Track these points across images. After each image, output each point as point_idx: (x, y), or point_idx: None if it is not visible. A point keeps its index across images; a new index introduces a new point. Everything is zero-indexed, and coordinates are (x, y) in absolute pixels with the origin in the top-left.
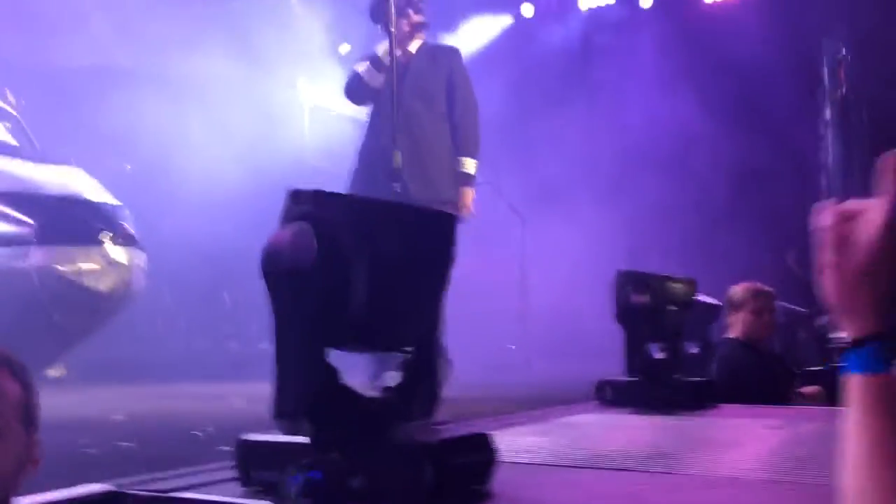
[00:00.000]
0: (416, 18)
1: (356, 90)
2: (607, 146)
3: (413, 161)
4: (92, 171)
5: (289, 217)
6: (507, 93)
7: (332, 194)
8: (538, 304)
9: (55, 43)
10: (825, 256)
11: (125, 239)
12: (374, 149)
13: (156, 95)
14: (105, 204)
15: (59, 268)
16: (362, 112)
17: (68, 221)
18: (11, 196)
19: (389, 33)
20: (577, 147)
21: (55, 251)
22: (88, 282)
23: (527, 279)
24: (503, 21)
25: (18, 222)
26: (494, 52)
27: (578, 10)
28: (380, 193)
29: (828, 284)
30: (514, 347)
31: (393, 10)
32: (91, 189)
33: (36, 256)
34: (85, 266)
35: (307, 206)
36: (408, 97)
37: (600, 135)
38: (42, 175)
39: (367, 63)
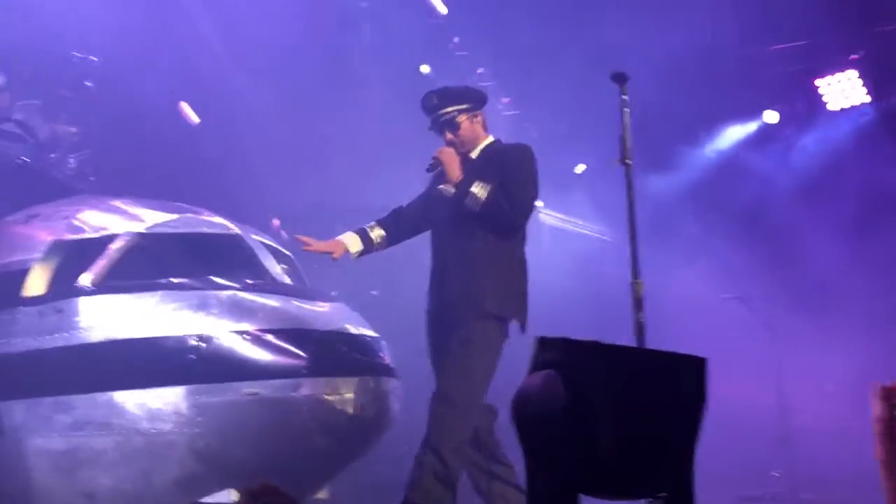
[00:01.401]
0: (477, 120)
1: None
2: (874, 251)
3: (459, 278)
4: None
5: (537, 364)
6: (757, 199)
7: (579, 342)
8: (804, 427)
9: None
10: (878, 450)
11: (382, 369)
12: (433, 269)
13: None
14: (365, 336)
15: (326, 397)
16: (604, 230)
17: (334, 354)
18: (287, 332)
19: (625, 167)
20: (839, 252)
21: (323, 382)
22: (351, 410)
23: (787, 398)
24: (749, 128)
25: (293, 355)
26: (738, 158)
27: (827, 111)
28: (431, 314)
29: (882, 477)
30: (778, 475)
31: (627, 138)
32: (353, 323)
33: (306, 387)
34: (347, 395)
35: (555, 353)
36: (460, 208)
37: (864, 239)
38: (312, 311)
39: None
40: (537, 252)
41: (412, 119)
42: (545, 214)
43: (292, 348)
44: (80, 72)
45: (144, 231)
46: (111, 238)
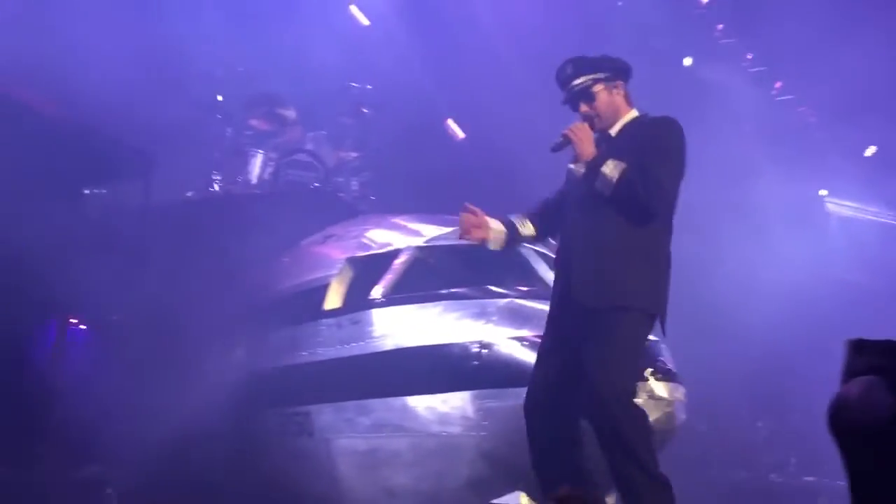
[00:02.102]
0: (617, 92)
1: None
2: None
3: (586, 265)
4: None
5: (852, 370)
6: None
7: None
8: None
9: None
10: None
11: (665, 374)
12: (559, 257)
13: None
14: None
15: None
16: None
17: None
18: None
19: None
20: None
21: None
22: None
23: None
24: None
25: None
26: None
27: None
28: (554, 305)
29: None
30: None
31: None
32: None
33: None
34: None
35: (875, 357)
36: (593, 190)
37: None
38: None
39: None
40: (822, 245)
41: (677, 114)
42: (831, 204)
43: None
44: (358, 100)
45: (424, 245)
46: (395, 253)
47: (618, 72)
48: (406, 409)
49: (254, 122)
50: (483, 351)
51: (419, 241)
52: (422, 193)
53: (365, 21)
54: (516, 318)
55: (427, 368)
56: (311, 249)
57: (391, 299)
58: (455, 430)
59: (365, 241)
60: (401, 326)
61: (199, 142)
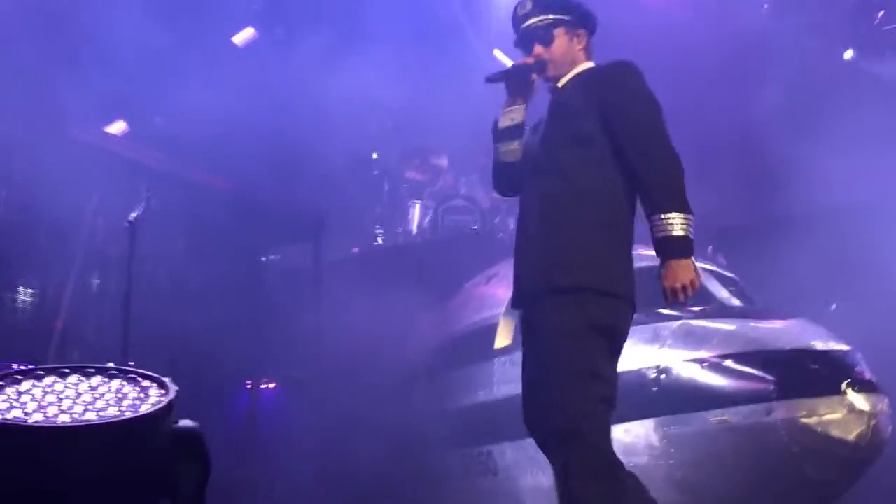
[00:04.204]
0: (579, 41)
1: (495, 177)
2: None
3: (539, 240)
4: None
5: None
6: None
7: None
8: None
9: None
10: None
11: (864, 385)
12: (517, 247)
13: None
14: (836, 351)
15: (804, 420)
16: None
17: (804, 373)
18: (748, 355)
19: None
20: None
21: (797, 404)
22: (835, 432)
23: None
24: None
25: (759, 379)
26: None
27: None
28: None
29: None
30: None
31: None
32: (820, 337)
33: (780, 411)
34: (828, 416)
35: None
36: (542, 151)
37: None
38: (771, 330)
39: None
40: None
41: (842, 111)
42: None
43: (756, 371)
44: None
45: None
46: None
47: (583, 18)
48: None
49: (409, 174)
50: (661, 376)
51: None
52: None
53: (509, 62)
54: (691, 339)
55: None
56: (475, 291)
57: None
58: (642, 460)
59: None
60: None
61: (361, 199)
